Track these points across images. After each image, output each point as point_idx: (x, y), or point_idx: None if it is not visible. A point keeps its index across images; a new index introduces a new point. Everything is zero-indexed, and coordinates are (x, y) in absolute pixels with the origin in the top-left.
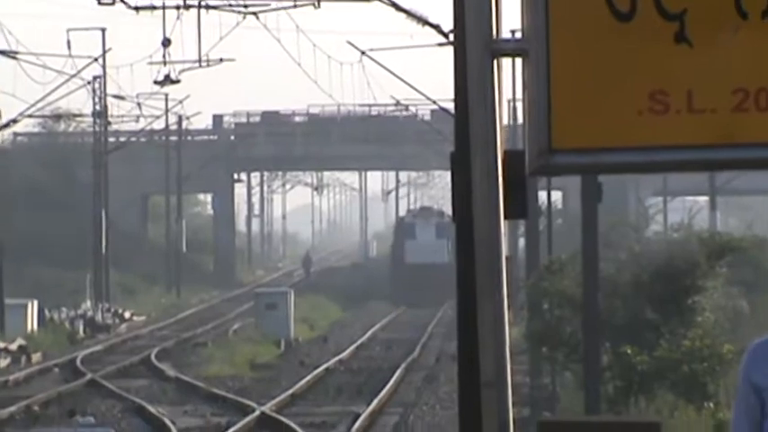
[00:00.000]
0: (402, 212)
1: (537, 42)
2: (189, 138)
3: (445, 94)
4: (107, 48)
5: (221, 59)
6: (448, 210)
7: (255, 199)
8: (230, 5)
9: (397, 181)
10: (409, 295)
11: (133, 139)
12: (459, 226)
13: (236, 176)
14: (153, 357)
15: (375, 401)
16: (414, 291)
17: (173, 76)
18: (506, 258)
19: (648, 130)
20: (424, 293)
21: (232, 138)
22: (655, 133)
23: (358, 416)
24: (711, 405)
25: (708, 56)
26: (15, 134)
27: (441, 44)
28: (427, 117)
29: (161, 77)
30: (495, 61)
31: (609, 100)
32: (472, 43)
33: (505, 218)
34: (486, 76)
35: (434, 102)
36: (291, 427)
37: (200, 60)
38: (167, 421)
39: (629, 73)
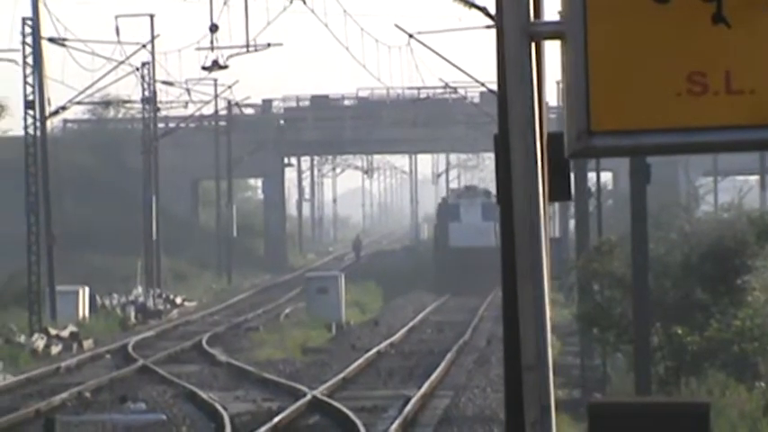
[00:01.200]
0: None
1: (574, 25)
2: (238, 123)
3: (493, 76)
4: (155, 34)
5: (269, 44)
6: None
7: (306, 183)
8: None
9: (447, 163)
10: (454, 282)
11: (182, 124)
12: (504, 208)
13: (286, 161)
14: (204, 343)
15: (426, 385)
16: (458, 277)
17: (220, 62)
18: (551, 240)
19: (687, 111)
20: (470, 280)
21: (282, 122)
22: (693, 114)
23: (409, 399)
24: (762, 384)
25: (746, 36)
26: (65, 121)
27: (488, 26)
28: (476, 99)
29: (209, 63)
30: (534, 44)
31: (647, 82)
32: (510, 26)
33: (550, 200)
34: (523, 58)
35: (483, 84)
36: (342, 411)
37: (247, 45)
38: (218, 407)
39: (666, 55)
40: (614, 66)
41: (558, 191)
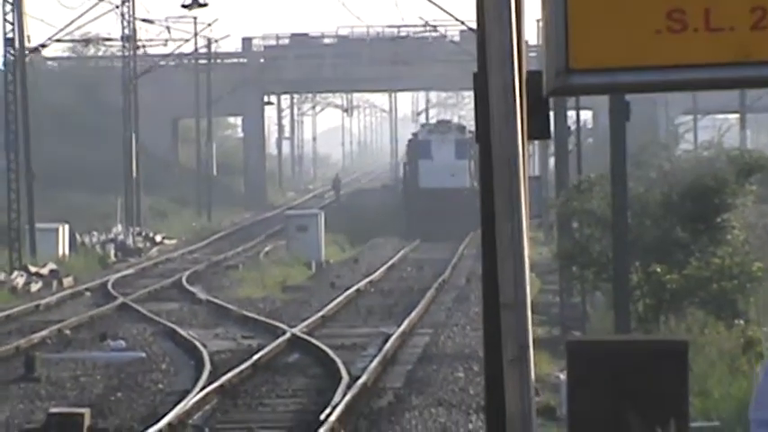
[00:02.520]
0: None
1: None
2: (218, 61)
3: (474, 14)
4: None
5: None
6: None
7: (286, 121)
8: None
9: (427, 101)
10: (425, 227)
11: (162, 63)
12: (483, 147)
13: (265, 99)
14: (184, 281)
15: (405, 322)
16: (430, 221)
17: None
18: (531, 179)
19: (666, 48)
20: (442, 224)
21: (261, 60)
22: (672, 52)
23: (389, 337)
24: (741, 322)
25: None
26: (45, 59)
27: None
28: (456, 38)
29: (188, 1)
30: None
31: (626, 19)
32: None
33: (528, 138)
34: None
35: (463, 23)
36: (322, 349)
37: None
38: (198, 344)
39: None
40: (593, 3)
41: (537, 129)
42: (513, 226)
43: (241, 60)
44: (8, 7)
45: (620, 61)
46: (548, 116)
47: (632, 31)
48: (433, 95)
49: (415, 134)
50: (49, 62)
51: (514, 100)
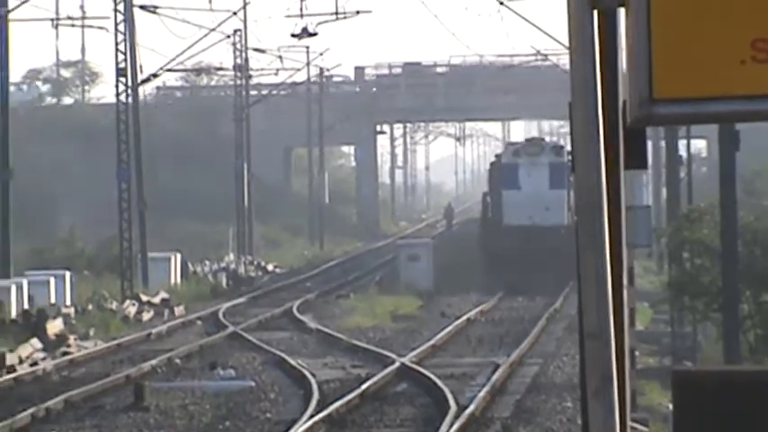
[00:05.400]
0: None
1: None
2: (330, 90)
3: None
4: (246, 1)
5: (358, 12)
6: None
7: (398, 150)
8: None
9: (540, 130)
10: (509, 276)
11: (274, 92)
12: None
13: (378, 128)
14: (295, 310)
15: (515, 352)
16: (516, 269)
17: (310, 29)
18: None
19: (751, 78)
20: (534, 272)
21: (374, 89)
22: (758, 82)
23: (498, 366)
24: None
25: None
26: (158, 88)
27: None
28: (568, 66)
29: (298, 30)
30: (600, 12)
31: (710, 49)
32: None
33: (625, 168)
34: (585, 26)
35: None
36: (430, 378)
37: (336, 12)
38: (307, 373)
39: (730, 22)
40: (677, 32)
41: (634, 159)
42: (596, 257)
43: (353, 89)
44: (120, 37)
45: (703, 91)
46: (644, 146)
47: (716, 60)
48: (546, 124)
49: (498, 156)
50: (162, 92)
51: (597, 130)
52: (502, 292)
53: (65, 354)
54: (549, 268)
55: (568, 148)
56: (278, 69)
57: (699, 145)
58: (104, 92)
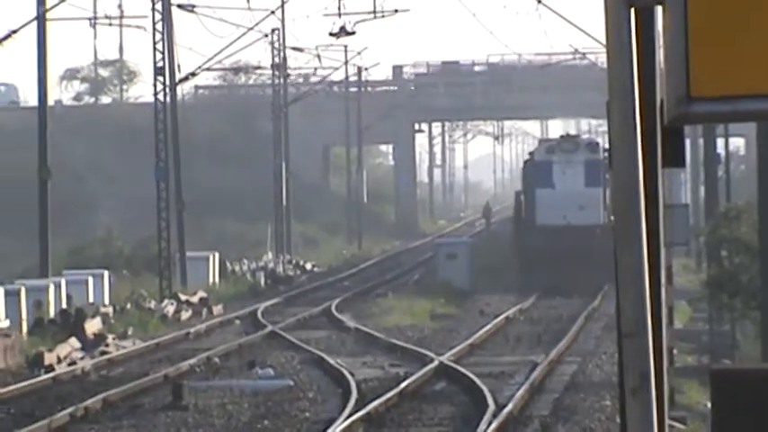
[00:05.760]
0: None
1: None
2: (369, 89)
3: None
4: (284, 0)
5: (396, 10)
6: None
7: (437, 149)
8: None
9: (578, 129)
10: (544, 277)
11: (313, 90)
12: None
13: (416, 127)
14: (333, 309)
15: (554, 351)
16: (551, 270)
17: (348, 28)
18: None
19: None
20: (569, 274)
21: (412, 88)
22: None
23: (536, 365)
24: None
25: None
26: (196, 87)
27: None
28: (605, 65)
29: (336, 29)
30: (636, 10)
31: (748, 47)
32: None
33: (663, 167)
34: (622, 24)
35: None
36: (469, 377)
37: (374, 11)
38: (346, 372)
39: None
40: (715, 30)
41: (671, 157)
42: (634, 255)
43: (392, 88)
44: (158, 36)
45: (741, 89)
46: (682, 144)
47: (754, 58)
48: (584, 122)
49: (531, 153)
50: (200, 90)
51: (635, 128)
52: (536, 295)
53: (103, 353)
54: (584, 270)
55: (604, 144)
56: (316, 68)
57: (737, 143)
58: (142, 91)
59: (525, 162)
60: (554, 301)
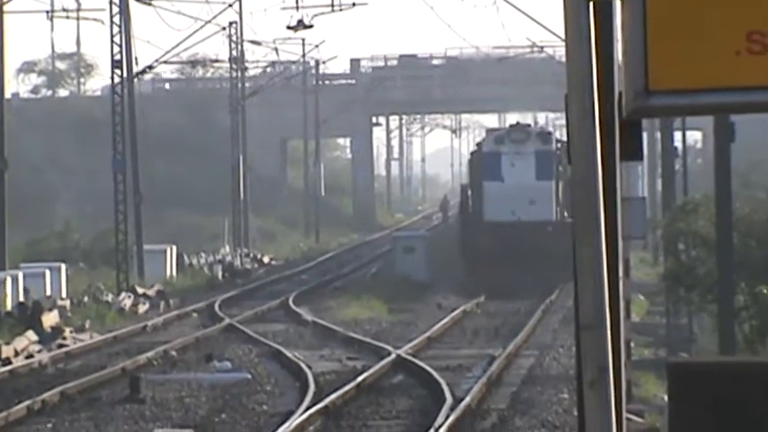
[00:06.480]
0: None
1: None
2: (326, 82)
3: None
4: None
5: (353, 4)
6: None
7: (394, 142)
8: None
9: (536, 122)
10: (491, 277)
11: (270, 83)
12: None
13: (374, 120)
14: (291, 302)
15: (511, 344)
16: (499, 270)
17: (305, 21)
18: (635, 200)
19: (746, 70)
20: (517, 273)
21: (370, 81)
22: (752, 74)
23: (494, 358)
24: None
25: None
26: (153, 80)
27: None
28: (564, 58)
29: (294, 23)
30: (594, 5)
31: (705, 41)
32: None
33: (621, 160)
34: (581, 18)
35: None
36: (426, 370)
37: (332, 5)
38: (303, 365)
39: (725, 13)
40: (673, 25)
41: (629, 150)
42: (592, 249)
43: (349, 81)
44: (115, 29)
45: (699, 83)
46: (640, 137)
47: (711, 52)
48: (542, 116)
49: (479, 144)
50: (158, 84)
51: (593, 121)
52: (483, 296)
53: (60, 346)
54: (535, 270)
55: (557, 135)
56: (273, 62)
57: (694, 136)
58: (99, 84)
59: (472, 153)
60: (511, 294)
